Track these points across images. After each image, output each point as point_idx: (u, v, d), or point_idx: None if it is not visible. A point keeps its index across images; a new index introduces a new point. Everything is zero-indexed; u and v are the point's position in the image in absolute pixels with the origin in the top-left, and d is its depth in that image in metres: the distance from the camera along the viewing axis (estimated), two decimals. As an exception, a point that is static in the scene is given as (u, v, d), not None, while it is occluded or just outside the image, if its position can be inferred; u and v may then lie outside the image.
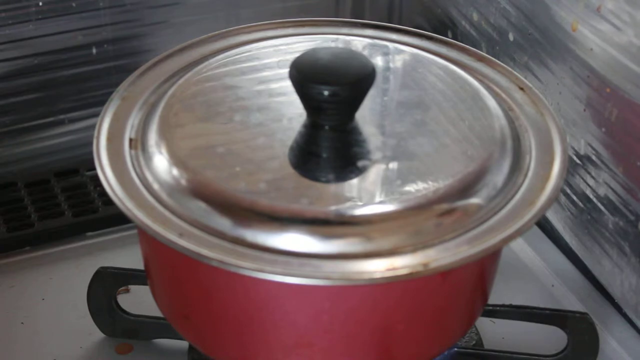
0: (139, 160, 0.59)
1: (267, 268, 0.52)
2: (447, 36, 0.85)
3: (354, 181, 0.56)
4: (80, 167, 0.85)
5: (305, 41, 0.66)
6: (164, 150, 0.58)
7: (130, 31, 0.86)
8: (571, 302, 0.75)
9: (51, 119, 0.86)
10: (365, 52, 0.65)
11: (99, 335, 0.70)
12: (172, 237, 0.54)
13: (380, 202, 0.55)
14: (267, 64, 0.64)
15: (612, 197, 0.72)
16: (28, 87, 0.84)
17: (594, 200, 0.75)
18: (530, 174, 0.59)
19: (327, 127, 0.58)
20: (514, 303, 0.69)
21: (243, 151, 0.58)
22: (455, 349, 0.68)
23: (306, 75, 0.57)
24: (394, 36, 0.69)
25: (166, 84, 0.64)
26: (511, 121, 0.62)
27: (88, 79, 0.86)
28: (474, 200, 0.56)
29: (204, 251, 0.53)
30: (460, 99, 0.62)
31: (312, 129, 0.59)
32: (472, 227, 0.55)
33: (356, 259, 0.53)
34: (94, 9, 0.84)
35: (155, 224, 0.54)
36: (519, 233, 0.55)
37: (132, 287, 0.73)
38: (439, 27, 0.91)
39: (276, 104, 0.61)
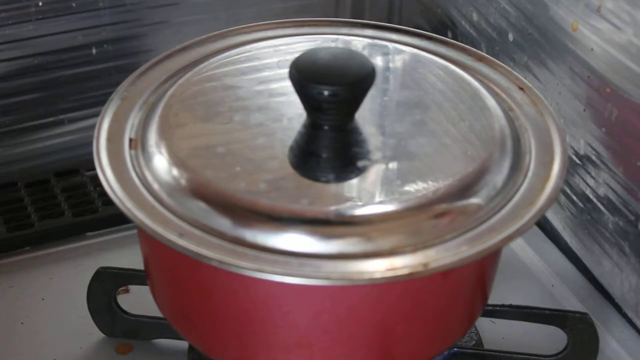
0: (139, 160, 0.59)
1: (267, 268, 0.52)
2: (447, 36, 0.85)
3: (354, 181, 0.56)
4: (80, 167, 0.85)
5: (305, 41, 0.66)
6: (164, 150, 0.58)
7: (130, 31, 0.86)
8: (571, 302, 0.75)
9: (51, 119, 0.86)
10: (365, 52, 0.65)
11: (99, 335, 0.70)
12: (172, 237, 0.54)
13: (380, 202, 0.55)
14: (267, 64, 0.64)
15: (612, 197, 0.72)
16: (28, 87, 0.84)
17: (594, 200, 0.75)
18: (530, 174, 0.59)
19: (327, 127, 0.58)
20: (514, 303, 0.69)
21: (243, 151, 0.58)
22: (455, 349, 0.68)
23: (306, 75, 0.57)
24: (394, 36, 0.69)
25: (166, 84, 0.64)
26: (511, 121, 0.62)
27: (88, 79, 0.86)
28: (474, 200, 0.56)
29: (204, 251, 0.53)
30: (460, 99, 0.62)
31: (312, 129, 0.59)
32: (472, 227, 0.55)
33: (356, 259, 0.53)
34: (94, 9, 0.84)
35: (155, 224, 0.54)
36: (519, 233, 0.55)
37: (132, 287, 0.73)
38: (438, 27, 0.91)
39: (276, 104, 0.61)
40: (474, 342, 0.70)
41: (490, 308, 0.68)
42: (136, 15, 0.86)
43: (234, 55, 0.65)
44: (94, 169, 0.58)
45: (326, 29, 0.69)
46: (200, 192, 0.56)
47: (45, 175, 0.85)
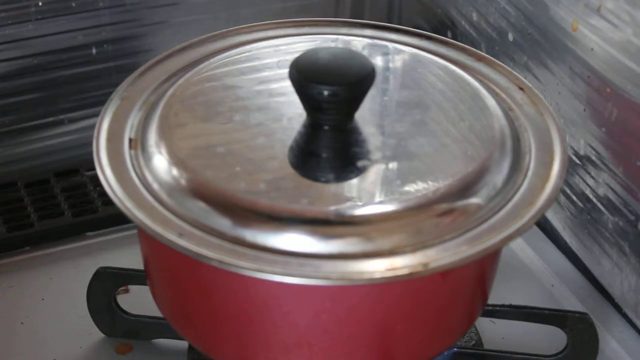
0: (139, 160, 0.59)
1: (267, 268, 0.52)
2: (446, 36, 0.85)
3: (354, 181, 0.56)
4: (80, 167, 0.86)
5: (305, 41, 0.66)
6: (163, 150, 0.58)
7: (130, 31, 0.86)
8: (571, 302, 0.75)
9: (51, 119, 0.86)
10: (365, 52, 0.65)
11: (98, 335, 0.71)
12: (172, 237, 0.54)
13: (380, 202, 0.55)
14: (267, 64, 0.64)
15: (612, 197, 0.72)
16: (28, 87, 0.84)
17: (594, 200, 0.75)
18: (530, 173, 0.59)
19: (327, 127, 0.58)
20: (514, 303, 0.69)
21: (243, 151, 0.58)
22: (455, 349, 0.68)
23: (306, 75, 0.57)
24: (394, 36, 0.69)
25: (166, 84, 0.64)
26: (511, 121, 0.62)
27: (88, 79, 0.86)
28: (474, 200, 0.56)
29: (204, 251, 0.53)
30: (460, 99, 0.62)
31: (312, 129, 0.59)
32: (472, 227, 0.55)
33: (356, 259, 0.53)
34: (94, 9, 0.84)
35: (155, 224, 0.54)
36: (519, 233, 0.55)
37: (132, 287, 0.73)
38: (438, 27, 0.91)
39: (276, 104, 0.61)
40: (474, 342, 0.70)
41: (490, 308, 0.68)
42: (136, 15, 0.86)
43: (234, 55, 0.65)
44: (94, 169, 0.58)
45: (326, 29, 0.69)
46: (200, 192, 0.56)
47: (45, 175, 0.85)
